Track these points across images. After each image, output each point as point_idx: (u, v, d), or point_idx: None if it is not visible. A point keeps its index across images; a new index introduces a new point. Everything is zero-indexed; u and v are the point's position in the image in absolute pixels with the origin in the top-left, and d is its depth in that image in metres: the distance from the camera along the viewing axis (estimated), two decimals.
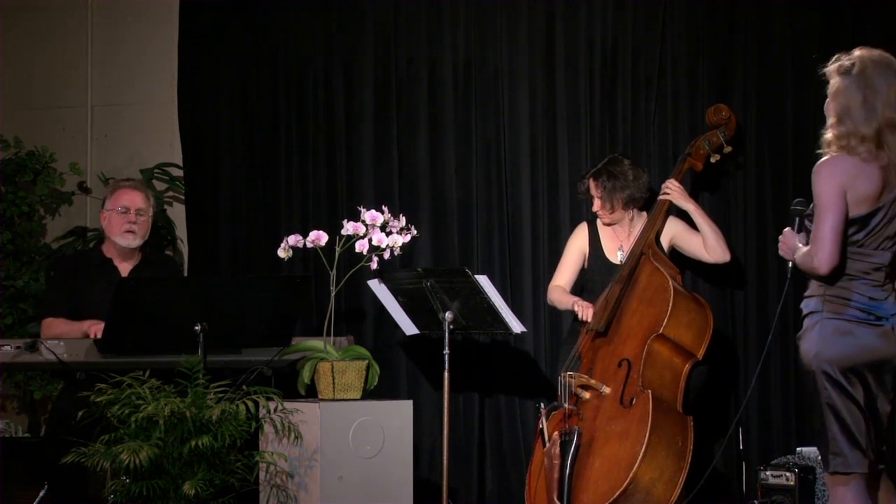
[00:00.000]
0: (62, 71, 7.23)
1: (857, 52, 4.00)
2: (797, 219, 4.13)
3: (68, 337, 5.39)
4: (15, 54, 7.23)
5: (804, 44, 5.91)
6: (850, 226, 3.92)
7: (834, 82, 4.00)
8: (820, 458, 4.07)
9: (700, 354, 5.25)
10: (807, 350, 3.97)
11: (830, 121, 4.00)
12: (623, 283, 5.40)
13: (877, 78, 3.93)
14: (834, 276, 3.92)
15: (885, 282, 3.98)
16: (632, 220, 5.66)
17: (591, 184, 5.65)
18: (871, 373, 3.93)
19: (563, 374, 5.24)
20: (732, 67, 6.04)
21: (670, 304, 5.20)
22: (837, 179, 3.90)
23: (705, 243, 5.57)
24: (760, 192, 5.98)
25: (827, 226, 3.89)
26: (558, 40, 6.25)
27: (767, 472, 5.41)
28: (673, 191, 5.61)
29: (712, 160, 5.74)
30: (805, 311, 4.02)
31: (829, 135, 3.99)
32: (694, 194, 5.90)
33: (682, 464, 4.95)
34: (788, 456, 5.52)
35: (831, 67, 4.01)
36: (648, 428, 4.90)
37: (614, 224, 5.68)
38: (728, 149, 5.75)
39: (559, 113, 6.24)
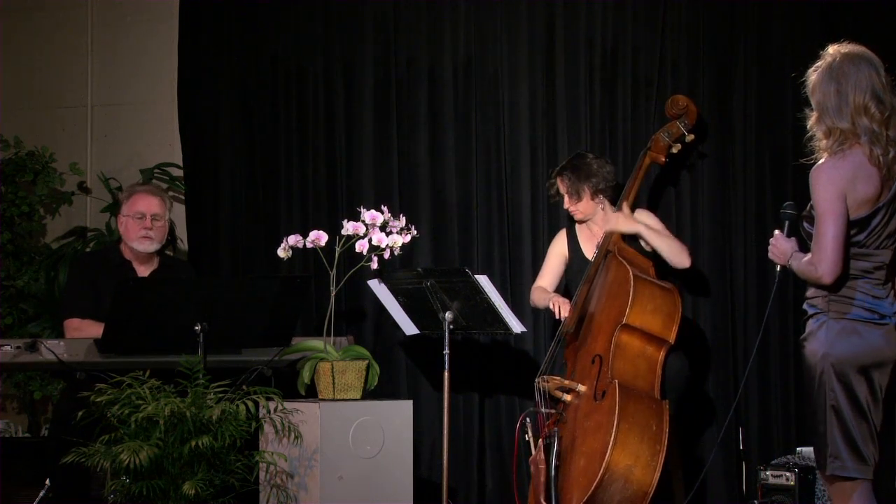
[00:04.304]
0: (62, 71, 7.23)
1: (830, 48, 4.03)
2: (787, 223, 4.12)
3: None
4: (15, 54, 7.24)
5: (804, 44, 5.90)
6: (851, 228, 3.90)
7: (811, 79, 4.02)
8: (815, 458, 4.06)
9: (671, 339, 5.22)
10: (814, 351, 3.95)
11: (811, 120, 4.01)
12: (590, 282, 5.41)
13: (848, 66, 3.94)
14: (837, 284, 3.91)
15: (885, 280, 3.98)
16: (605, 212, 5.64)
17: (558, 182, 5.67)
18: (876, 373, 3.92)
19: (537, 380, 5.25)
20: (732, 67, 6.03)
21: (631, 294, 5.19)
22: (836, 184, 3.89)
23: (664, 257, 5.50)
24: (760, 192, 5.97)
25: (829, 235, 3.87)
26: (558, 40, 6.25)
27: (767, 472, 5.41)
28: (618, 222, 5.49)
29: (674, 150, 5.72)
30: (809, 313, 4.01)
31: (816, 133, 3.99)
32: (693, 194, 5.91)
33: (658, 447, 4.93)
34: (788, 456, 5.51)
35: (810, 70, 4.04)
36: (616, 416, 4.91)
37: (588, 220, 5.69)
38: (690, 137, 5.72)
39: (559, 113, 6.24)
